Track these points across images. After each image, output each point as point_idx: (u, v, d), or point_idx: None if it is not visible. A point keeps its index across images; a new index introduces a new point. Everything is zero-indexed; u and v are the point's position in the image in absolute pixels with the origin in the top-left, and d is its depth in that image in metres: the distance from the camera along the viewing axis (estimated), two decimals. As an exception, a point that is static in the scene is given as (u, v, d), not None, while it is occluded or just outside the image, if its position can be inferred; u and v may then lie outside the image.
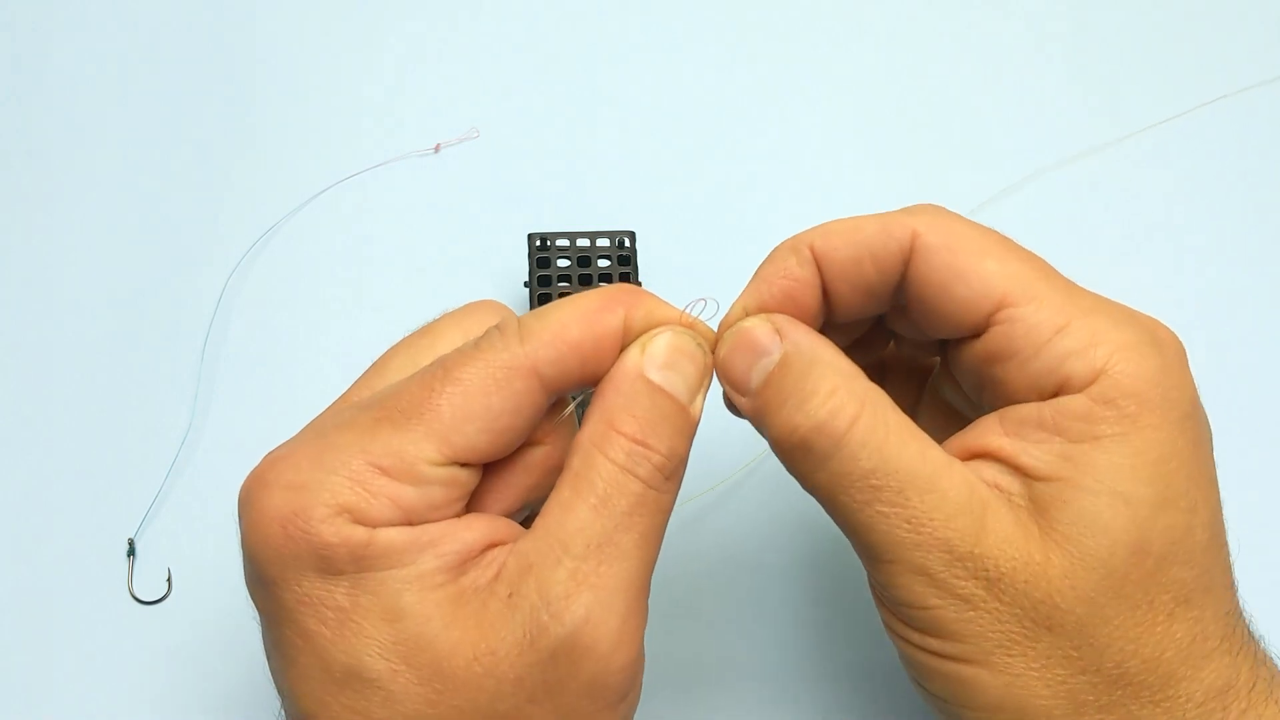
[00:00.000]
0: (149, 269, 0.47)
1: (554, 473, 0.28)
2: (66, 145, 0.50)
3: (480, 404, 0.25)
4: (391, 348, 0.29)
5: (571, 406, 0.28)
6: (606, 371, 0.27)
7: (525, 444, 0.28)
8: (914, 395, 0.34)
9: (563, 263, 0.44)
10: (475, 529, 0.26)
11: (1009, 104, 0.53)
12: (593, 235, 0.45)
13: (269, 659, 0.27)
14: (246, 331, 0.45)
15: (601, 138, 0.51)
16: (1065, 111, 0.53)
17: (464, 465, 0.26)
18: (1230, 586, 0.28)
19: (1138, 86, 0.53)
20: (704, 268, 0.48)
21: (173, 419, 0.43)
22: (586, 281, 0.44)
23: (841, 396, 0.26)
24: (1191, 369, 0.27)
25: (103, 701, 0.38)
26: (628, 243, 0.45)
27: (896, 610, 0.27)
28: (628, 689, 0.26)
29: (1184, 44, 0.55)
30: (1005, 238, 0.28)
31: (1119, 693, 0.26)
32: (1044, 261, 0.28)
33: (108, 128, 0.50)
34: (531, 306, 0.43)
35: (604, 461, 0.26)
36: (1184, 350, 0.28)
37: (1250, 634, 0.28)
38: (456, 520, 0.26)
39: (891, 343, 0.34)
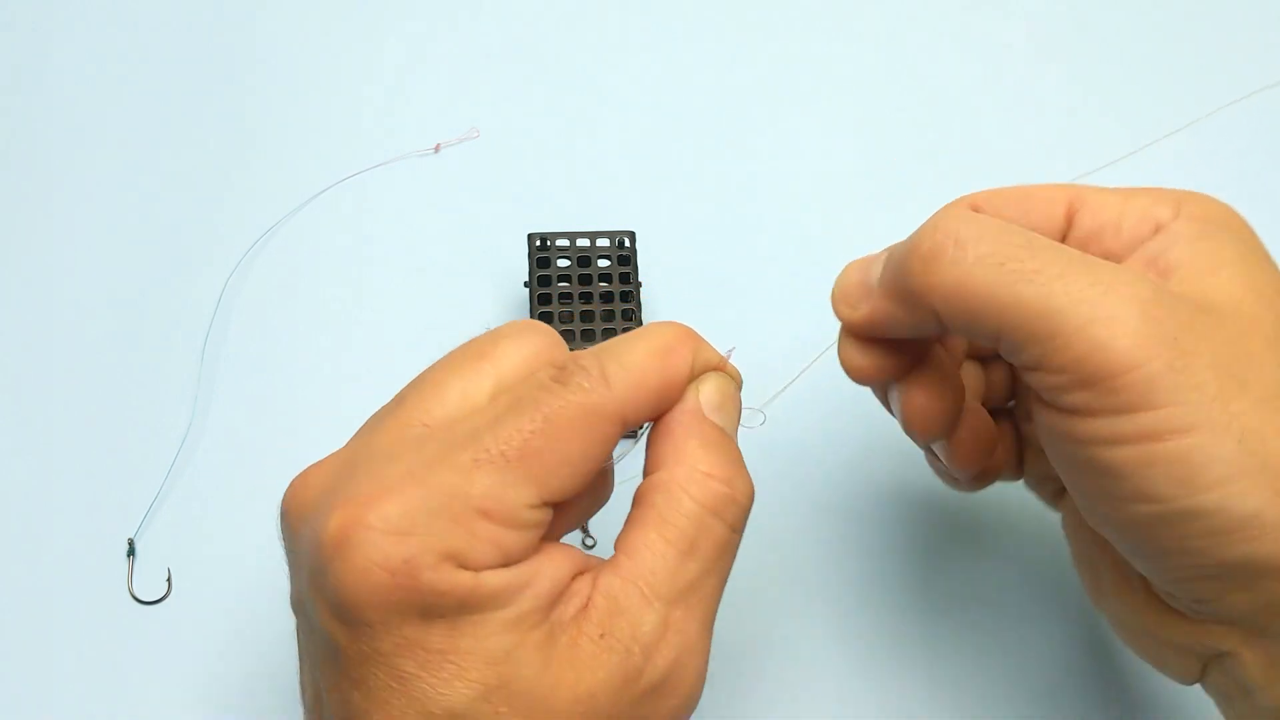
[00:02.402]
0: (149, 269, 0.47)
1: (595, 501, 0.29)
2: (66, 145, 0.50)
3: (575, 448, 0.26)
4: (443, 364, 0.28)
5: (631, 444, 0.29)
6: (667, 411, 0.28)
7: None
8: None
9: (563, 263, 0.44)
10: (559, 563, 0.26)
11: (1009, 102, 0.53)
12: (593, 235, 0.45)
13: (338, 696, 0.25)
14: (246, 331, 0.45)
15: (601, 138, 0.51)
16: (1065, 111, 0.53)
17: (549, 504, 0.26)
18: None
19: (1138, 86, 0.53)
20: (703, 268, 0.48)
21: (173, 419, 0.43)
22: (586, 281, 0.44)
23: (966, 211, 0.28)
24: None
25: (103, 701, 0.38)
26: (628, 243, 0.45)
27: (1097, 396, 0.25)
28: (692, 713, 0.27)
29: (1184, 44, 0.55)
30: None
31: None
32: None
33: (108, 128, 0.50)
34: (531, 306, 0.43)
35: (691, 504, 0.26)
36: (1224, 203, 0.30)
37: None
38: (542, 556, 0.26)
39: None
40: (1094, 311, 0.24)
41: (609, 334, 0.42)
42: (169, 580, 0.40)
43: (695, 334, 0.29)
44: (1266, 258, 0.28)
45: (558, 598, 0.25)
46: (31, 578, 0.40)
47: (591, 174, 0.50)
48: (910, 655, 0.39)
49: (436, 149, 0.51)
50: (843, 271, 0.31)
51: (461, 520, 0.24)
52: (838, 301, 0.30)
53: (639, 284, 0.44)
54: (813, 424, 0.43)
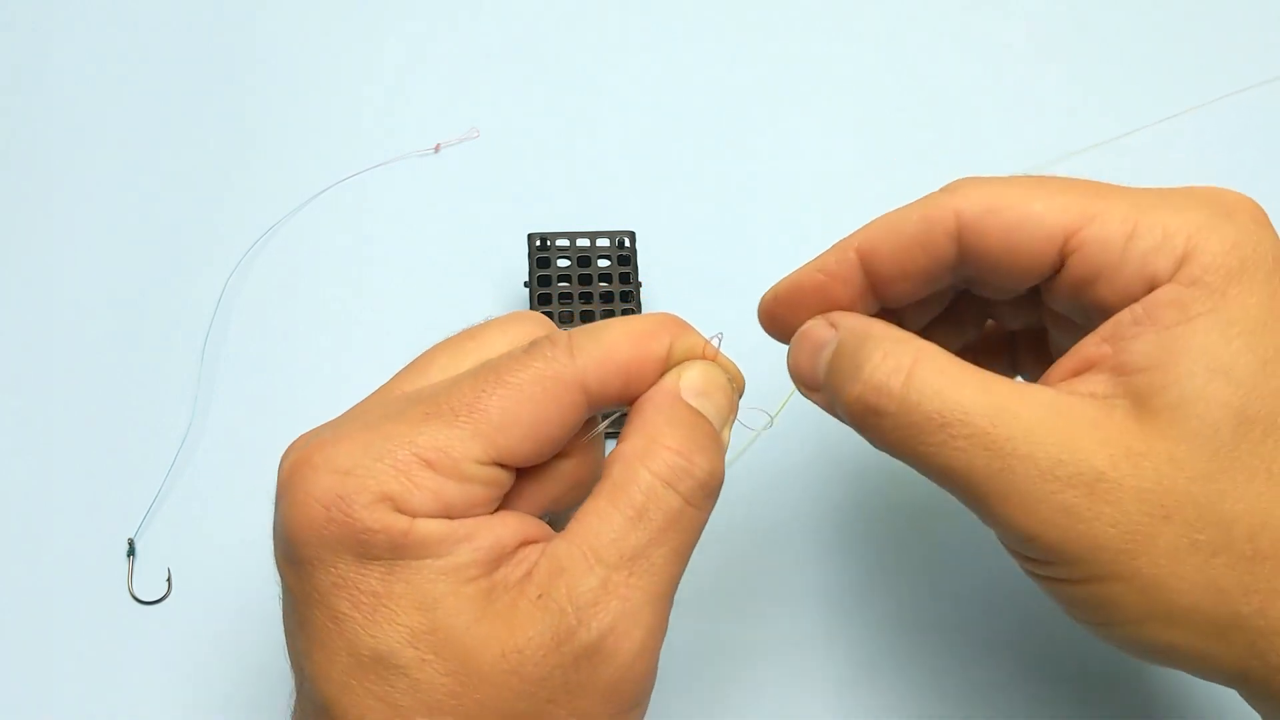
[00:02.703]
0: (149, 269, 0.47)
1: (578, 486, 0.29)
2: (66, 145, 0.50)
3: (528, 410, 0.26)
4: (434, 346, 0.29)
5: (604, 424, 0.29)
6: (643, 393, 0.28)
7: (556, 455, 0.28)
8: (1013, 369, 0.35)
9: (563, 263, 0.44)
10: (509, 526, 0.26)
11: (1009, 102, 0.53)
12: (593, 235, 0.45)
13: (291, 639, 0.27)
14: (246, 331, 0.45)
15: (601, 138, 0.51)
16: (1065, 111, 0.53)
17: (504, 467, 0.27)
18: None
19: (1138, 86, 0.53)
20: (703, 268, 0.48)
21: (173, 419, 0.43)
22: (586, 281, 0.44)
23: (893, 357, 0.27)
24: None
25: (103, 701, 0.38)
26: (628, 243, 0.45)
27: (1015, 549, 0.28)
28: (642, 696, 0.27)
29: (1184, 44, 0.55)
30: (1041, 176, 0.29)
31: (1259, 569, 0.25)
32: (1087, 180, 0.28)
33: (108, 128, 0.50)
34: (531, 306, 0.43)
35: (645, 473, 0.26)
36: (1258, 207, 0.27)
37: None
38: (492, 516, 0.26)
39: (989, 323, 0.34)
40: (988, 487, 0.26)
41: (609, 334, 0.42)
42: (169, 580, 0.40)
43: (681, 322, 0.29)
44: (1251, 341, 0.26)
45: (502, 558, 0.26)
46: (31, 578, 0.40)
47: (591, 174, 0.50)
48: (908, 657, 0.39)
49: (436, 149, 0.51)
50: (797, 342, 0.30)
51: (403, 467, 0.25)
52: (795, 378, 0.30)
53: (639, 284, 0.44)
54: (813, 426, 0.43)
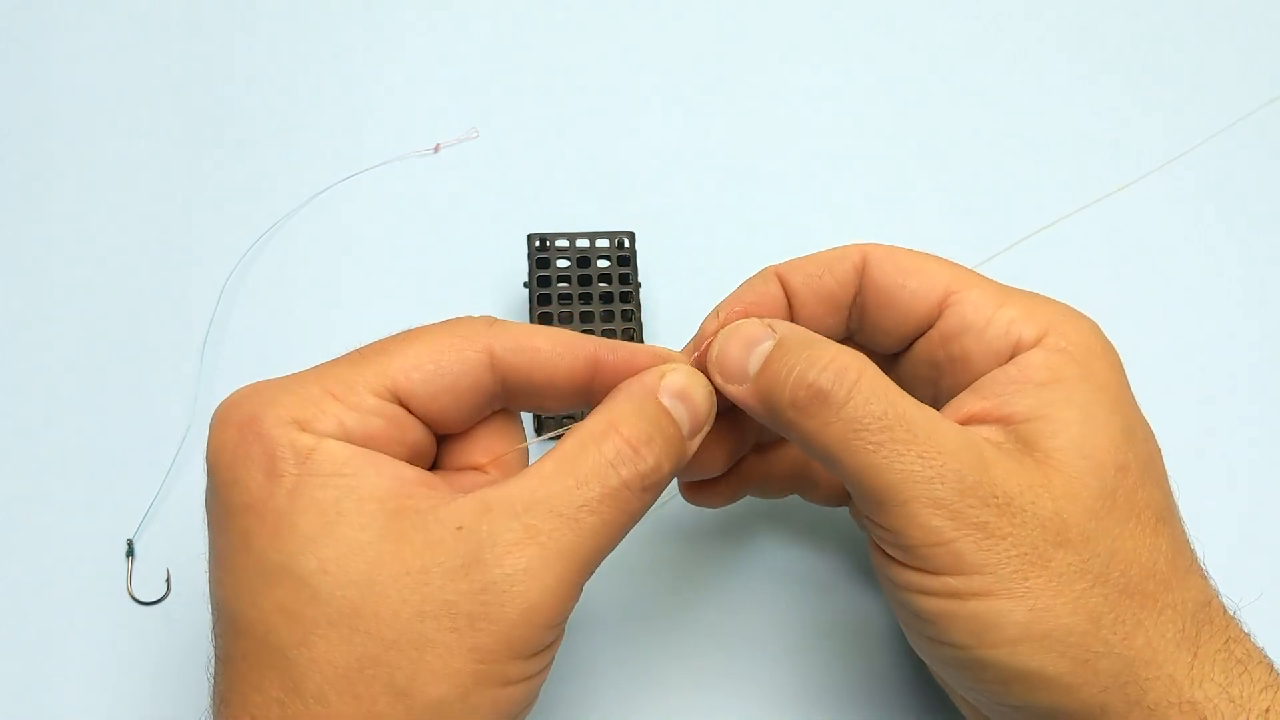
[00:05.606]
0: (149, 268, 0.47)
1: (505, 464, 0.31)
2: (66, 145, 0.50)
3: (429, 357, 0.29)
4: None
5: (525, 444, 0.31)
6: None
7: (474, 469, 0.31)
8: None
9: (562, 263, 0.44)
10: (412, 467, 0.28)
11: (1012, 103, 0.53)
12: (593, 235, 0.45)
13: (210, 574, 0.28)
14: (246, 331, 0.45)
15: (601, 138, 0.51)
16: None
17: (409, 410, 0.29)
18: (1182, 520, 0.30)
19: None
20: (703, 268, 0.48)
21: (173, 419, 0.43)
22: (586, 282, 0.44)
23: (845, 358, 0.29)
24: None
25: (102, 701, 0.38)
26: (628, 243, 0.45)
27: (911, 557, 0.28)
28: (541, 648, 0.27)
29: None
30: (935, 256, 0.33)
31: (1128, 602, 0.28)
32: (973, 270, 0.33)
33: (107, 128, 0.50)
34: (531, 306, 0.43)
35: (595, 453, 0.28)
36: (1098, 326, 0.32)
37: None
38: (396, 458, 0.28)
39: None
40: (915, 490, 0.28)
41: (608, 334, 0.42)
42: (168, 580, 0.40)
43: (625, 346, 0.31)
44: (1115, 408, 0.29)
45: (407, 488, 0.27)
46: (31, 578, 0.40)
47: (591, 174, 0.50)
48: (904, 663, 0.39)
49: (436, 149, 0.51)
50: (729, 335, 0.31)
51: (311, 396, 0.28)
52: (715, 370, 0.31)
53: (639, 284, 0.44)
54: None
